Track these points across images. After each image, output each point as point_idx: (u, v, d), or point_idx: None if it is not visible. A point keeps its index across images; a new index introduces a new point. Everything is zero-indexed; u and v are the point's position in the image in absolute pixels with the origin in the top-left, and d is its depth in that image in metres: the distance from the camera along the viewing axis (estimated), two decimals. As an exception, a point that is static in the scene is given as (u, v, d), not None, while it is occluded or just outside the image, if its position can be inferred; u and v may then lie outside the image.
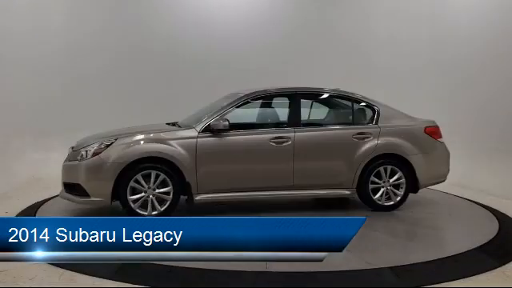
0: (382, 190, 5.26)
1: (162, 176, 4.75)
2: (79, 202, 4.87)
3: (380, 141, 5.23)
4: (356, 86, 5.91)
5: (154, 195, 4.75)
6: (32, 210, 5.26)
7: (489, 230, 4.64)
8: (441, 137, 5.55)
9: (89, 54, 8.56)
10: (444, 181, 5.64)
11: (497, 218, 5.10)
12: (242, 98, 5.22)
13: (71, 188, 4.90)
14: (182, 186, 4.82)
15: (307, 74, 8.21)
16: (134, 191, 4.73)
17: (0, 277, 3.28)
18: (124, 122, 6.05)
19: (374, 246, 4.12)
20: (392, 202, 5.30)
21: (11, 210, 5.23)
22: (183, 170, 4.79)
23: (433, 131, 5.49)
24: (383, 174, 5.24)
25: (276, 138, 5.05)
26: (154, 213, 4.76)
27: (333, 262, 3.35)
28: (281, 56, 8.90)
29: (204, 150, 4.86)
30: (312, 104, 5.80)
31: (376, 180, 5.24)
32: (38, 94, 8.03)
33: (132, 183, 4.69)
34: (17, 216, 4.94)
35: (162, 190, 4.77)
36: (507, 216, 5.26)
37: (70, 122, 8.08)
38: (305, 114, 5.43)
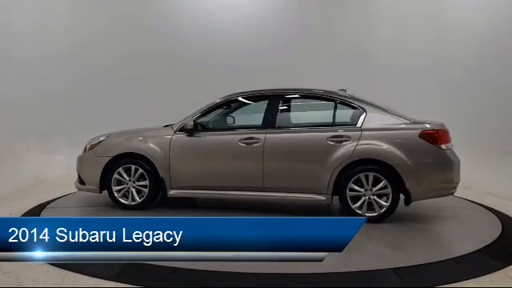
0: (362, 199, 4.78)
1: (141, 170, 5.29)
2: (80, 188, 5.60)
3: (360, 145, 4.78)
4: (357, 86, 5.86)
5: (134, 187, 5.33)
6: (36, 211, 5.28)
7: (492, 231, 4.61)
8: (446, 142, 4.81)
9: (91, 56, 8.64)
10: (452, 194, 5.02)
11: (500, 220, 5.08)
12: (219, 100, 5.43)
13: (79, 176, 5.63)
14: (157, 180, 5.26)
15: (309, 75, 8.21)
16: (120, 183, 5.37)
17: (4, 278, 3.30)
18: (127, 123, 6.11)
19: (375, 248, 4.10)
20: (375, 214, 4.75)
21: (15, 211, 5.25)
22: (157, 166, 5.25)
23: (433, 136, 4.74)
24: (364, 182, 4.75)
25: (246, 138, 5.06)
26: (134, 203, 5.34)
27: (334, 262, 3.36)
28: (283, 57, 8.92)
29: (176, 149, 5.25)
30: (290, 106, 5.49)
31: (356, 188, 4.79)
32: (41, 95, 8.08)
33: (116, 175, 5.33)
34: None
35: (140, 183, 5.32)
36: (510, 217, 5.23)
37: (74, 123, 8.14)
38: (284, 115, 5.30)
